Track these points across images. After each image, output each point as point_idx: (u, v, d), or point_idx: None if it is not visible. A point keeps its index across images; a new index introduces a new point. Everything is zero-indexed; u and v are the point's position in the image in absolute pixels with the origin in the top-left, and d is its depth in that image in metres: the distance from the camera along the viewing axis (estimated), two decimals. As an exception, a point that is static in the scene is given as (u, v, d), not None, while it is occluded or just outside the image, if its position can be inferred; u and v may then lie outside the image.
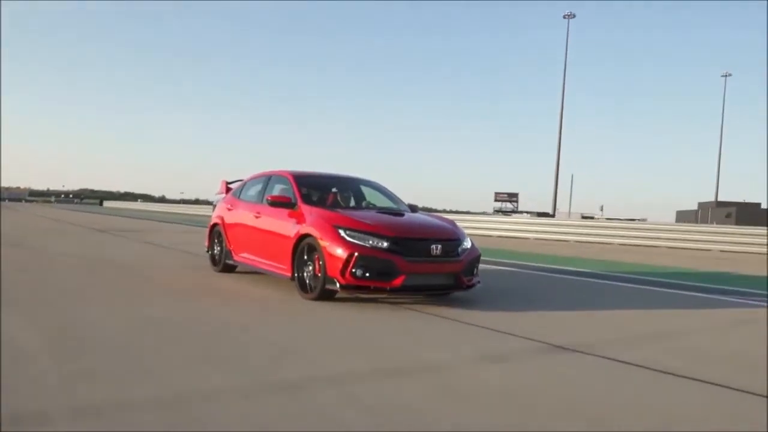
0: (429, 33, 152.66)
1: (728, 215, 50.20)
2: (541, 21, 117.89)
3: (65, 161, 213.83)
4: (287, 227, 5.90)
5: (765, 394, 3.03)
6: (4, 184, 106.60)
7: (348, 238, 5.20)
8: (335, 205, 6.37)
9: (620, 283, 8.14)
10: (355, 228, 5.29)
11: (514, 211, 56.80)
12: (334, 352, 3.57)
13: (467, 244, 5.74)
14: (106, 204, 79.57)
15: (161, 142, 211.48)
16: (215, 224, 7.62)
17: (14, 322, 3.92)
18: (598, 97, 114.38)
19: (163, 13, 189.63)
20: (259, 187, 7.05)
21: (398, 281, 5.11)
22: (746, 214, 47.96)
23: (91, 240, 13.05)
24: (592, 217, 34.00)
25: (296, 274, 5.63)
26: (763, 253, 17.40)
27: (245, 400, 2.59)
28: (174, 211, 50.40)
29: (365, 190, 7.19)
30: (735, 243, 19.13)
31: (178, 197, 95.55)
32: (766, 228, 18.85)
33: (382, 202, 6.94)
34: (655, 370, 3.43)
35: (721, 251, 18.41)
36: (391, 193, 7.22)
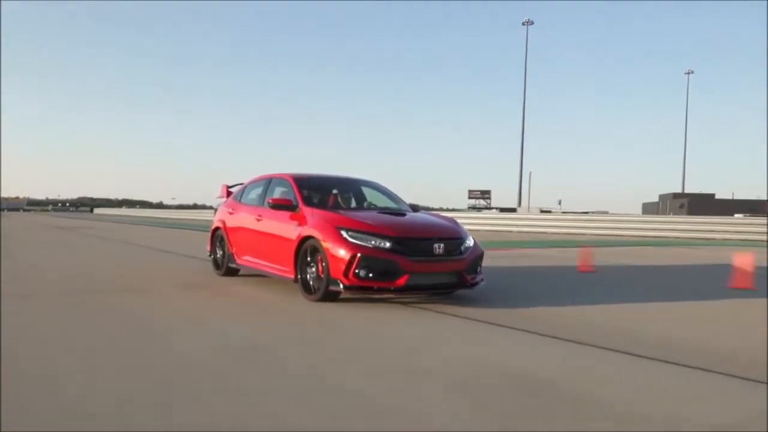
0: (402, 33, 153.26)
1: (681, 206, 56.24)
2: (503, 23, 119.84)
3: (63, 171, 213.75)
4: (289, 229, 5.90)
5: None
6: (4, 195, 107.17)
7: (350, 239, 5.20)
8: (336, 207, 6.37)
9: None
10: (357, 229, 5.29)
11: (487, 208, 58.65)
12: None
13: (470, 242, 5.75)
14: (96, 211, 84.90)
15: (161, 148, 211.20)
16: (217, 228, 7.62)
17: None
18: (570, 93, 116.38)
19: (157, 16, 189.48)
20: (259, 190, 7.06)
21: (401, 281, 5.11)
22: (699, 204, 53.36)
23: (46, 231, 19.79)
24: (550, 211, 36.84)
25: (299, 276, 5.64)
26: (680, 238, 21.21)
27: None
28: (157, 216, 54.97)
29: (366, 190, 7.19)
30: (657, 229, 22.73)
31: (175, 204, 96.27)
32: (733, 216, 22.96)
33: (383, 202, 6.95)
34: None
35: (644, 237, 22.03)
36: (392, 193, 7.22)
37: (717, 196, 59.59)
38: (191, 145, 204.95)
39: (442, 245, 5.37)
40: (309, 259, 5.55)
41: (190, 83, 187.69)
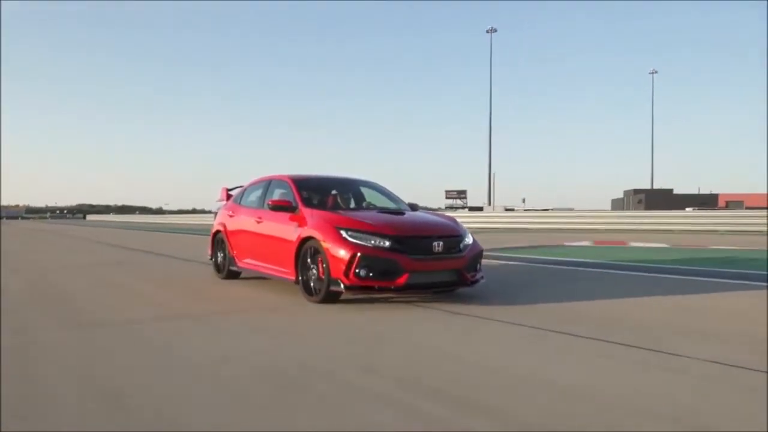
0: (402, 33, 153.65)
1: (639, 201, 59.14)
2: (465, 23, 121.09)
3: (63, 179, 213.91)
4: (289, 231, 5.92)
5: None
6: (3, 203, 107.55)
7: (350, 239, 5.22)
8: (336, 207, 6.39)
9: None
10: (356, 228, 5.31)
11: (463, 207, 62.26)
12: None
13: (469, 240, 5.77)
14: (88, 218, 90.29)
15: (160, 154, 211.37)
16: (217, 231, 7.64)
17: None
18: (570, 93, 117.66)
19: (155, 20, 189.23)
20: (259, 192, 7.08)
21: (402, 280, 5.13)
22: (657, 199, 56.02)
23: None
24: (513, 209, 39.07)
25: (300, 278, 5.66)
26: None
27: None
28: (150, 221, 57.14)
29: (365, 191, 7.22)
30: (608, 223, 24.69)
31: (174, 209, 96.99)
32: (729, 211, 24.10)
33: (382, 202, 6.96)
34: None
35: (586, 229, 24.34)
36: (391, 192, 7.24)
37: (675, 191, 62.43)
38: (191, 145, 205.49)
39: (441, 243, 5.40)
40: (310, 260, 5.56)
41: (191, 83, 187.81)
